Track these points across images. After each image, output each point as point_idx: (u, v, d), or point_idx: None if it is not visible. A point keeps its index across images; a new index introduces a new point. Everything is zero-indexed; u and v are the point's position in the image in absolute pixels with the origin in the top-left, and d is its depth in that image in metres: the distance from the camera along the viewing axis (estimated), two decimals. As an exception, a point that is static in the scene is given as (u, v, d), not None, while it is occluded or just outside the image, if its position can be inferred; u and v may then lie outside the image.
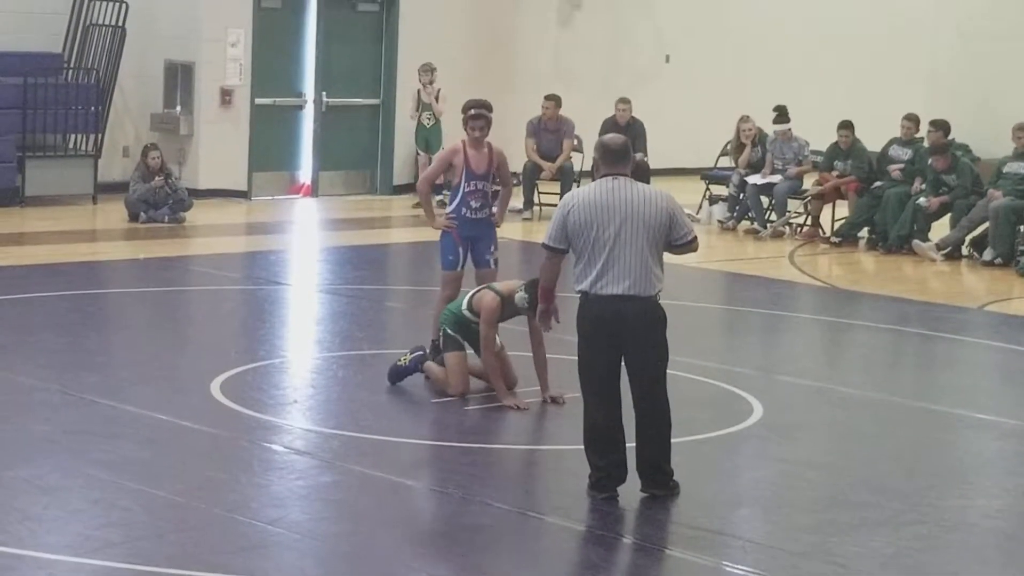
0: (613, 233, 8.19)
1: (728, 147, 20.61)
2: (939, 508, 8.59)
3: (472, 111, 10.98)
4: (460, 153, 11.00)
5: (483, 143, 11.00)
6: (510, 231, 16.67)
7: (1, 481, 8.22)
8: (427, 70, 20.18)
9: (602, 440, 8.34)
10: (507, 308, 10.34)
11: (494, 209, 11.20)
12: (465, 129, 11.04)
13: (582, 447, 8.45)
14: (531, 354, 10.31)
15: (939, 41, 26.47)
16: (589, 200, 8.27)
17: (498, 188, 11.33)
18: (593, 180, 8.48)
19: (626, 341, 8.26)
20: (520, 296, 10.25)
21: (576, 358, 8.43)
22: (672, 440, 8.40)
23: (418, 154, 20.60)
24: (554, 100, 19.84)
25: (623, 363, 8.33)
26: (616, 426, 8.34)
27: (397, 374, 10.62)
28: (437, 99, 20.14)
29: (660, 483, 8.38)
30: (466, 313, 10.46)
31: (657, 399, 8.34)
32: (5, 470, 8.40)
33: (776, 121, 19.29)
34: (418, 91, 20.26)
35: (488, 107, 11.04)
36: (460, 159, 10.98)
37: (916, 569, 7.68)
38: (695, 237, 8.43)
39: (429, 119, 20.25)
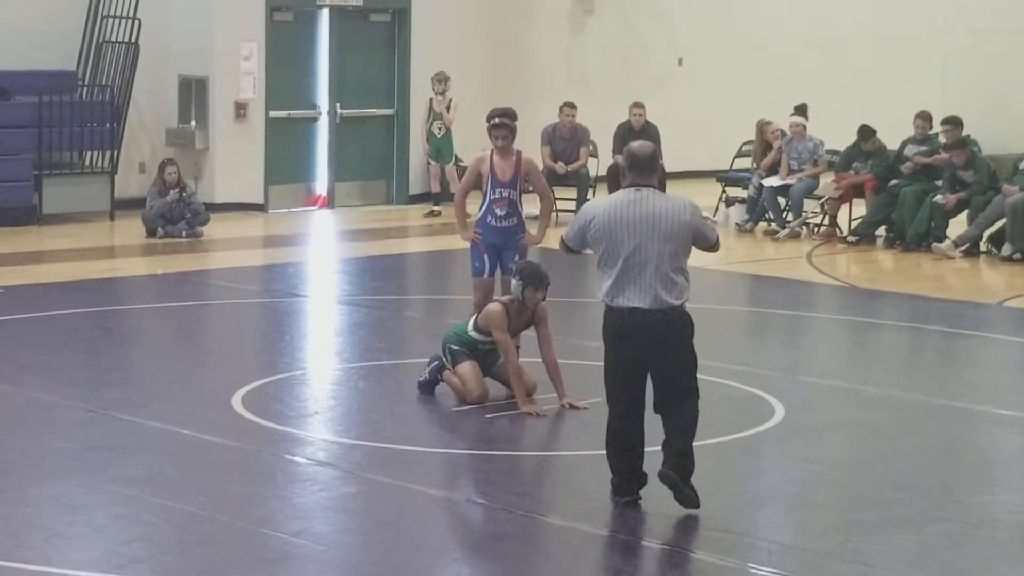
0: (633, 247, 8.14)
1: (744, 148, 20.60)
2: (964, 505, 8.56)
3: (495, 120, 10.94)
4: (487, 161, 10.99)
5: (510, 151, 10.97)
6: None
7: (25, 498, 8.24)
8: (440, 79, 20.14)
9: (622, 446, 8.34)
10: (513, 317, 10.33)
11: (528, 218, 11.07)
12: (490, 138, 11.02)
13: (603, 452, 8.45)
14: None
15: (951, 40, 26.42)
16: (610, 213, 8.23)
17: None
18: (617, 188, 8.43)
19: (648, 351, 8.21)
20: (515, 284, 10.25)
21: (602, 364, 8.43)
22: (695, 443, 8.30)
23: (429, 164, 20.60)
24: (573, 108, 19.84)
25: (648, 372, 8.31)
26: (636, 433, 8.32)
27: (428, 387, 10.64)
28: (448, 109, 20.12)
29: (687, 500, 8.26)
30: (472, 334, 10.47)
31: (681, 410, 8.25)
32: (29, 487, 8.42)
33: (793, 113, 19.30)
34: (430, 100, 20.26)
35: (512, 115, 10.99)
36: (486, 167, 10.97)
37: (943, 567, 7.66)
38: (718, 238, 8.46)
39: (440, 129, 20.23)
